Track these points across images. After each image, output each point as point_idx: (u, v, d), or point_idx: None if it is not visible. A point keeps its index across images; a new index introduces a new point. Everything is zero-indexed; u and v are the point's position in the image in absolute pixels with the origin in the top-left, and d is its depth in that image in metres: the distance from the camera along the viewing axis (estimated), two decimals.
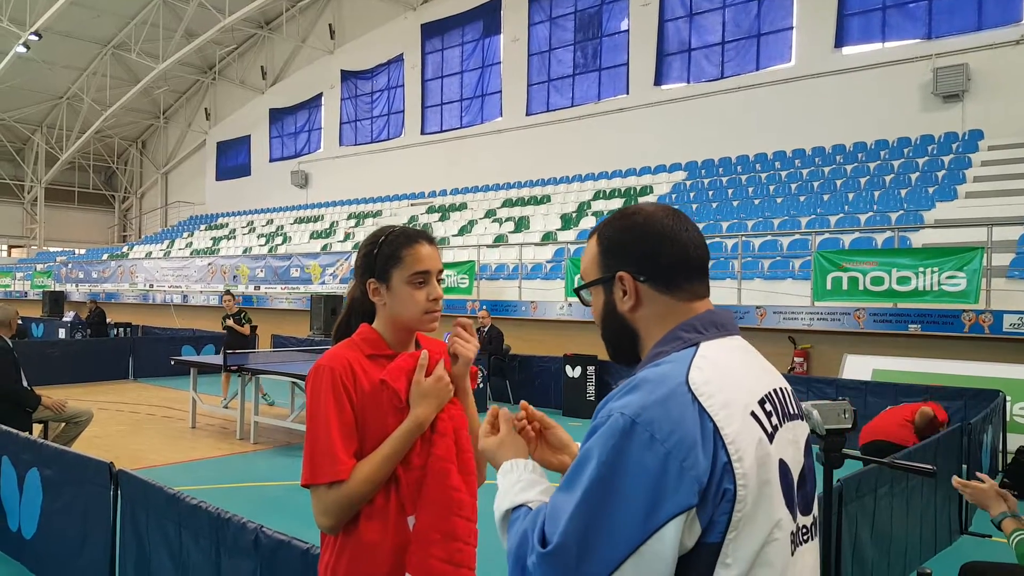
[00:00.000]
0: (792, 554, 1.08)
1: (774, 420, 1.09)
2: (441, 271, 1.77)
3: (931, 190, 12.31)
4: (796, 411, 1.18)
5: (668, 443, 0.99)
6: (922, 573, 2.24)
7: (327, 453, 1.60)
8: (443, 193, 22.40)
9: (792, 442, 1.13)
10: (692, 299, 1.18)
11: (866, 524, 3.93)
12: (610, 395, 1.09)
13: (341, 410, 1.63)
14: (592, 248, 1.24)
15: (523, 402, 1.41)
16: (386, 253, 1.72)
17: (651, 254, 1.17)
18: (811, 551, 1.15)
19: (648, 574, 0.98)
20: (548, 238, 15.96)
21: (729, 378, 1.08)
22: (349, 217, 23.42)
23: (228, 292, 11.92)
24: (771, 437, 1.07)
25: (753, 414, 1.06)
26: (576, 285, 1.28)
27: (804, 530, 1.12)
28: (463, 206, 20.64)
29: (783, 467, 1.08)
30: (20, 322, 6.45)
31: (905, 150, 14.31)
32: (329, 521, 1.61)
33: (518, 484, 1.19)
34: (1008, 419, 7.58)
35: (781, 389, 1.16)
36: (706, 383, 1.05)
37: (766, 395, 1.11)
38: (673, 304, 1.17)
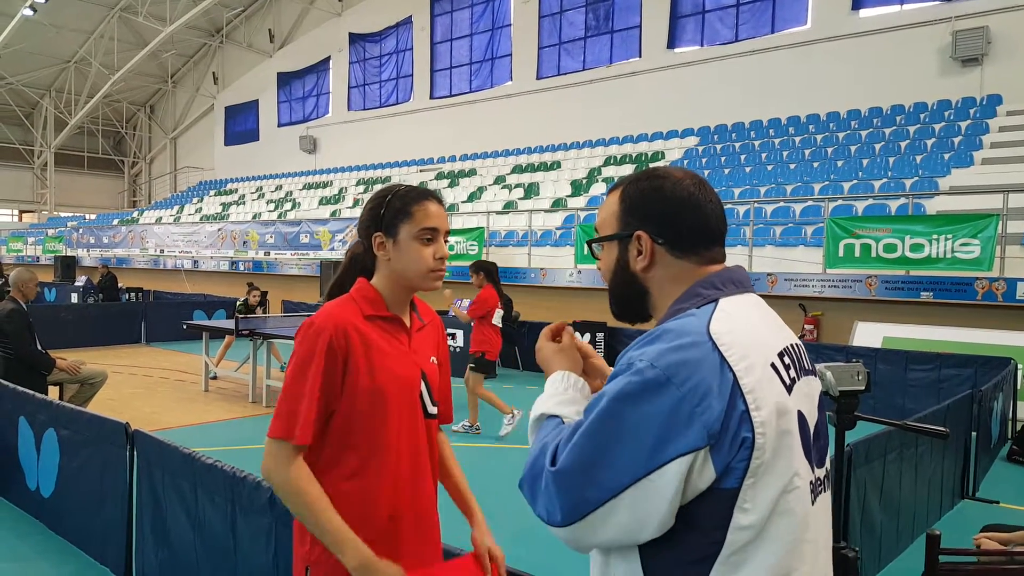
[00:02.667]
0: (812, 504, 1.11)
1: (792, 373, 1.12)
2: (448, 232, 1.75)
3: (947, 156, 12.13)
4: (810, 367, 1.21)
5: (683, 388, 1.02)
6: (931, 535, 2.25)
7: (305, 416, 1.59)
8: (452, 159, 22.25)
9: (807, 396, 1.16)
10: (707, 263, 1.19)
11: (875, 488, 3.95)
12: (631, 345, 1.12)
13: (328, 377, 1.61)
14: (613, 203, 1.25)
15: (568, 327, 1.39)
16: (395, 207, 1.69)
17: (672, 218, 1.18)
18: (825, 503, 1.19)
19: (645, 507, 1.02)
20: (558, 205, 15.88)
21: (749, 331, 1.10)
22: (358, 183, 23.34)
23: (254, 287, 11.05)
24: (789, 389, 1.09)
25: (772, 365, 1.09)
26: (592, 238, 1.29)
27: (818, 482, 1.15)
28: (472, 172, 20.52)
29: (801, 419, 1.11)
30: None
31: (921, 115, 14.07)
32: (272, 474, 1.60)
33: (561, 396, 1.22)
34: (1019, 387, 7.56)
35: (796, 345, 1.19)
36: (727, 333, 1.07)
37: (784, 349, 1.13)
38: (688, 267, 1.18)
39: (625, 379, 1.06)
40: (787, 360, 1.12)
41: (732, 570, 1.04)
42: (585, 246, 1.43)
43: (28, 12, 24.86)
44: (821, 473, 1.16)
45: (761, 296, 1.23)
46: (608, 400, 1.06)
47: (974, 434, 5.64)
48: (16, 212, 37.35)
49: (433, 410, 1.80)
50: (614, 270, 1.24)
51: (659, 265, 1.19)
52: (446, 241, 1.75)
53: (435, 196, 1.74)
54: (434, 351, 1.84)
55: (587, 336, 10.50)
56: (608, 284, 1.27)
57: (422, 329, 1.82)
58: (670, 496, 1.01)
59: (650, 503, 1.02)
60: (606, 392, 1.08)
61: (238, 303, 10.87)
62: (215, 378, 9.64)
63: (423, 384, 1.76)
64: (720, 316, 1.10)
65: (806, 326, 10.02)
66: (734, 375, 1.03)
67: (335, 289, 1.80)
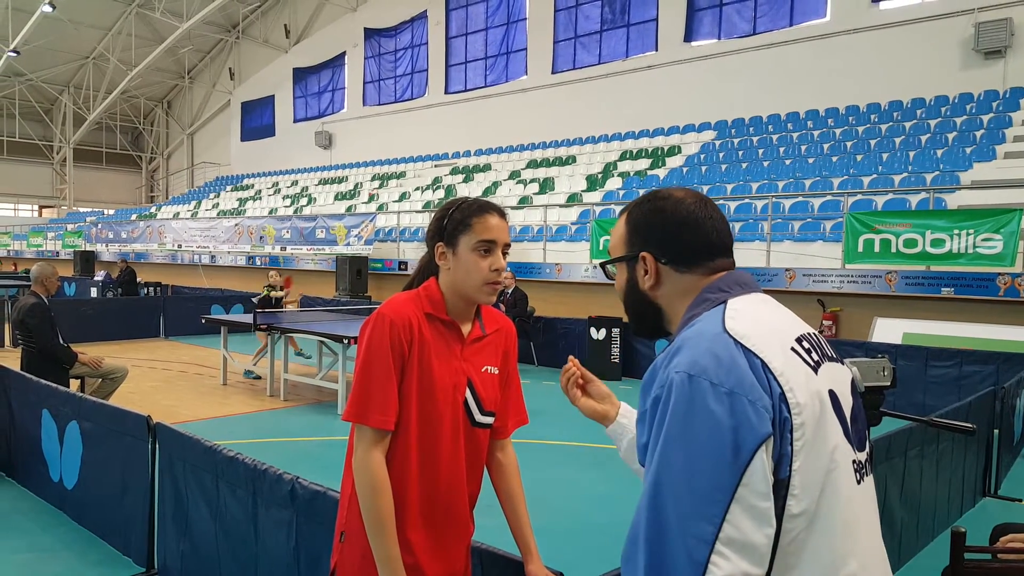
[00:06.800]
0: (858, 484, 1.13)
1: (815, 356, 1.15)
2: (508, 244, 1.80)
3: (968, 150, 11.97)
4: (834, 355, 1.22)
5: (728, 383, 1.04)
6: (956, 532, 2.23)
7: (381, 396, 1.65)
8: (467, 154, 22.25)
9: (836, 379, 1.18)
10: (713, 272, 1.24)
11: (896, 485, 3.92)
12: (656, 364, 1.15)
13: (396, 363, 1.68)
14: (620, 226, 1.32)
15: (571, 357, 1.49)
16: (456, 219, 1.76)
17: (673, 238, 1.24)
18: (870, 485, 1.20)
19: (753, 512, 1.00)
20: (573, 199, 15.83)
21: (762, 322, 1.14)
22: (373, 178, 23.40)
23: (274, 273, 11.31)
24: (815, 370, 1.12)
25: (793, 349, 1.12)
26: (604, 260, 1.38)
27: (860, 464, 1.17)
28: (487, 167, 20.50)
29: (834, 398, 1.13)
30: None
31: (943, 109, 13.89)
32: (360, 462, 1.66)
33: None
34: None
35: (813, 333, 1.22)
36: (744, 327, 1.11)
37: (801, 335, 1.17)
38: (694, 279, 1.24)
39: (671, 400, 1.05)
40: (806, 345, 1.15)
41: (792, 559, 1.04)
42: (601, 267, 1.52)
43: (47, 8, 25.10)
44: (862, 456, 1.18)
45: (779, 292, 1.25)
46: (668, 429, 1.04)
47: (996, 431, 5.58)
48: (36, 207, 37.78)
49: (482, 419, 1.80)
50: (626, 289, 1.32)
51: (666, 282, 1.26)
52: (506, 254, 1.79)
53: (496, 209, 1.79)
54: (494, 361, 1.85)
55: (603, 331, 10.48)
56: (623, 303, 1.34)
57: (482, 339, 1.83)
58: (766, 490, 1.01)
59: (755, 507, 1.00)
60: (663, 422, 1.05)
61: (265, 287, 10.86)
62: (258, 378, 9.40)
63: (468, 392, 1.77)
64: (731, 314, 1.14)
65: (824, 322, 9.94)
66: (762, 361, 1.06)
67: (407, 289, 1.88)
